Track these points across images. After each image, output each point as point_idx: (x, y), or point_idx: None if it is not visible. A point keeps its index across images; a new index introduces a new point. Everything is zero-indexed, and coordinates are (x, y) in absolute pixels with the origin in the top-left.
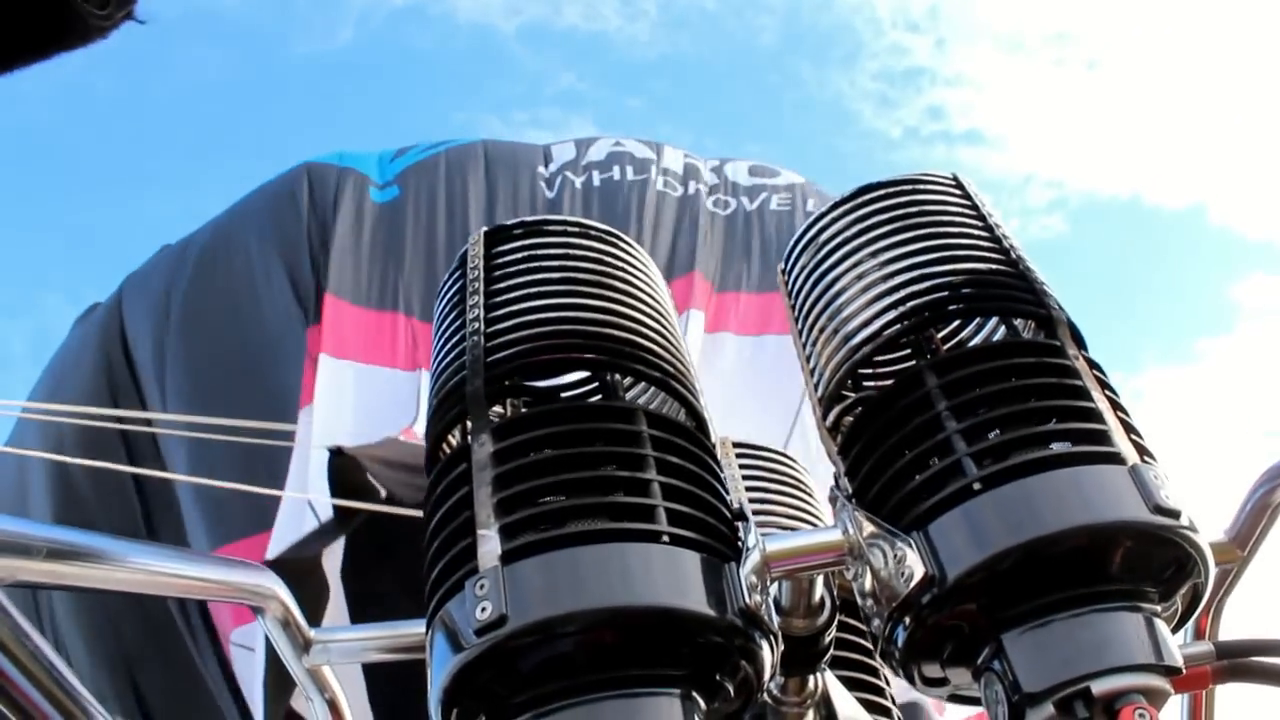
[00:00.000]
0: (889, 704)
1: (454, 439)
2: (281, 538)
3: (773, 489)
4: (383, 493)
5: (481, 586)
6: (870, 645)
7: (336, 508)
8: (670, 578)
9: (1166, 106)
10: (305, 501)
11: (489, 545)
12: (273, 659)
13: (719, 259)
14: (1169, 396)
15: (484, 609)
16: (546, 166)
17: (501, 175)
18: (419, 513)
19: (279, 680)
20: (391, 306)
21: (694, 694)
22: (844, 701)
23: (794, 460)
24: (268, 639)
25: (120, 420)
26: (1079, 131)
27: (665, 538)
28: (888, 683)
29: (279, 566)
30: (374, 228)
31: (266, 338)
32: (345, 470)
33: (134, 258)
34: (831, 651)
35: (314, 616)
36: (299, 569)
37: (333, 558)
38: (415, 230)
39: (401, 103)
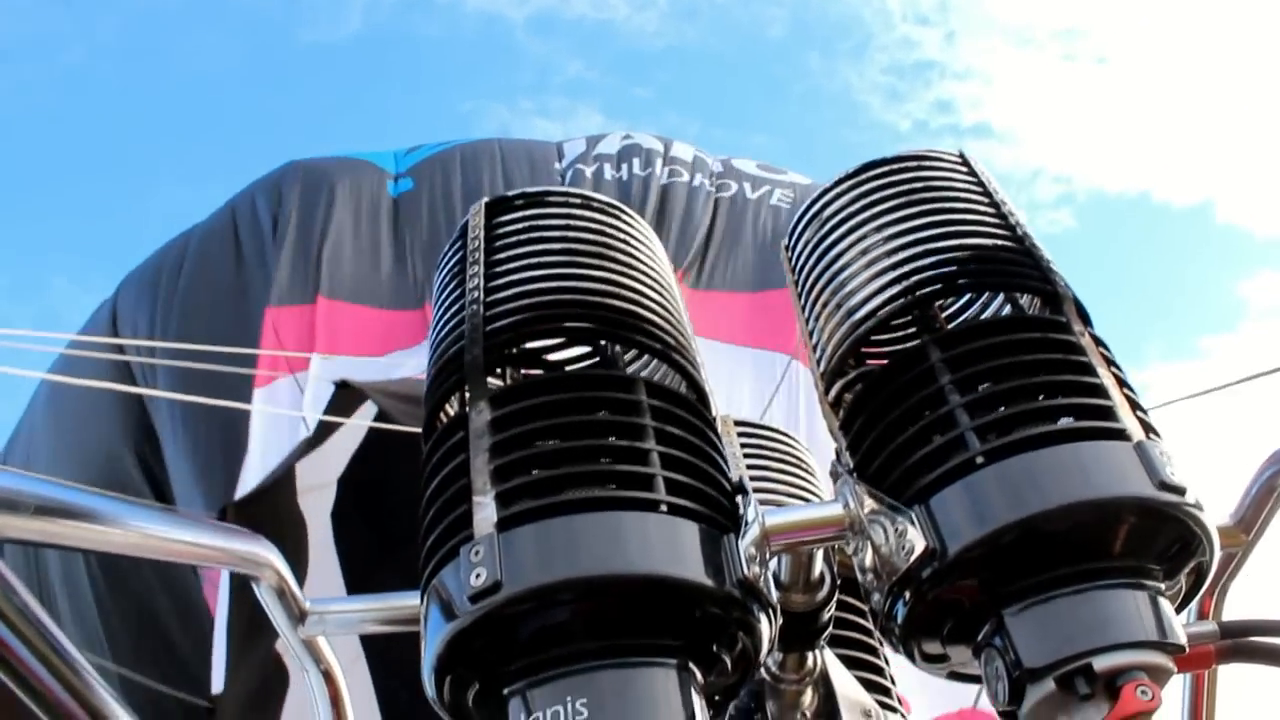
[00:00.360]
0: (888, 683)
1: (452, 408)
2: (264, 461)
3: (774, 467)
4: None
5: (477, 553)
6: (870, 624)
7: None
8: (667, 547)
9: (1175, 103)
10: (300, 428)
11: (485, 512)
12: (239, 617)
13: (710, 254)
14: (1172, 392)
15: (479, 575)
16: (560, 161)
17: (515, 168)
18: (418, 429)
19: (248, 631)
20: (416, 305)
21: (690, 665)
22: (843, 679)
23: (796, 439)
24: (231, 598)
25: (115, 349)
26: (1088, 126)
27: (663, 507)
28: (887, 662)
29: (259, 504)
30: (390, 222)
31: (248, 322)
32: (348, 401)
33: (139, 241)
34: (831, 630)
35: (296, 563)
36: (277, 515)
37: (330, 554)
38: (431, 220)
39: (409, 91)
